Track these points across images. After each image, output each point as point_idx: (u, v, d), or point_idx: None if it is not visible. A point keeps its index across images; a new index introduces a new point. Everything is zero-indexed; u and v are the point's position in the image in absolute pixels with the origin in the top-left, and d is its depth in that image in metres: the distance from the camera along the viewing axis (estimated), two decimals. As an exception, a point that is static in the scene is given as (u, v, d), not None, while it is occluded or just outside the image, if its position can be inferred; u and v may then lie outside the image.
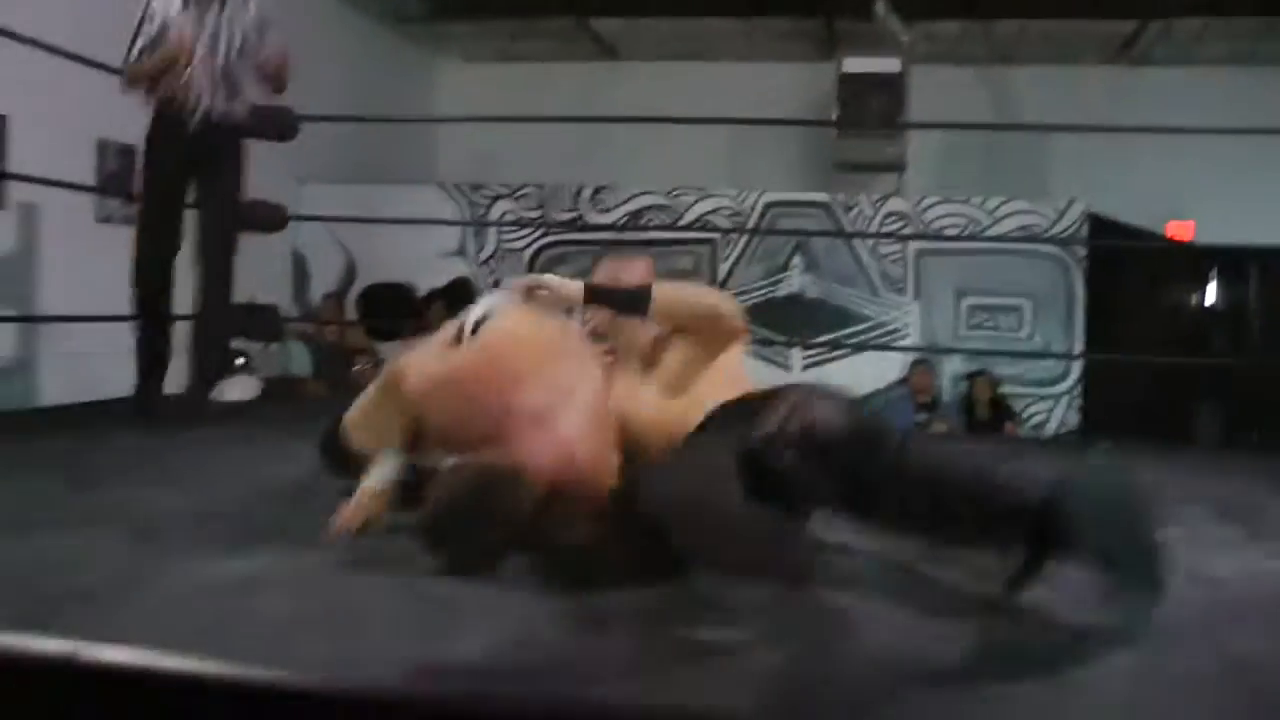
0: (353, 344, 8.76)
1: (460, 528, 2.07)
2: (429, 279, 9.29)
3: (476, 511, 2.06)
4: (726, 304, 2.48)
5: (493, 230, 9.40)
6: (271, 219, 5.88)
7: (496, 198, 9.46)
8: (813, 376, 8.58)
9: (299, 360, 8.61)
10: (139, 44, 4.40)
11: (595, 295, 2.41)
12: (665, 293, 2.37)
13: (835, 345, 8.71)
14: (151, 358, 4.46)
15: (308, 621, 1.87)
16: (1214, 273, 9.40)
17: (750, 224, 9.03)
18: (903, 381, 8.76)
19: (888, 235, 8.89)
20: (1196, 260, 9.43)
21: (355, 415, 2.56)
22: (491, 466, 2.11)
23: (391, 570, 2.17)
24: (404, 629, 1.88)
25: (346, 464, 2.63)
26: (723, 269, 9.14)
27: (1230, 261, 9.26)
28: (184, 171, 4.49)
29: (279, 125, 5.61)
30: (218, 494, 3.00)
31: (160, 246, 4.44)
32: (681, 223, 9.09)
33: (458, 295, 8.71)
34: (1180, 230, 9.35)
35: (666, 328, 2.43)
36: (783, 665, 1.76)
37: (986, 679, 1.74)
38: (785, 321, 8.72)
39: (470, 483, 2.09)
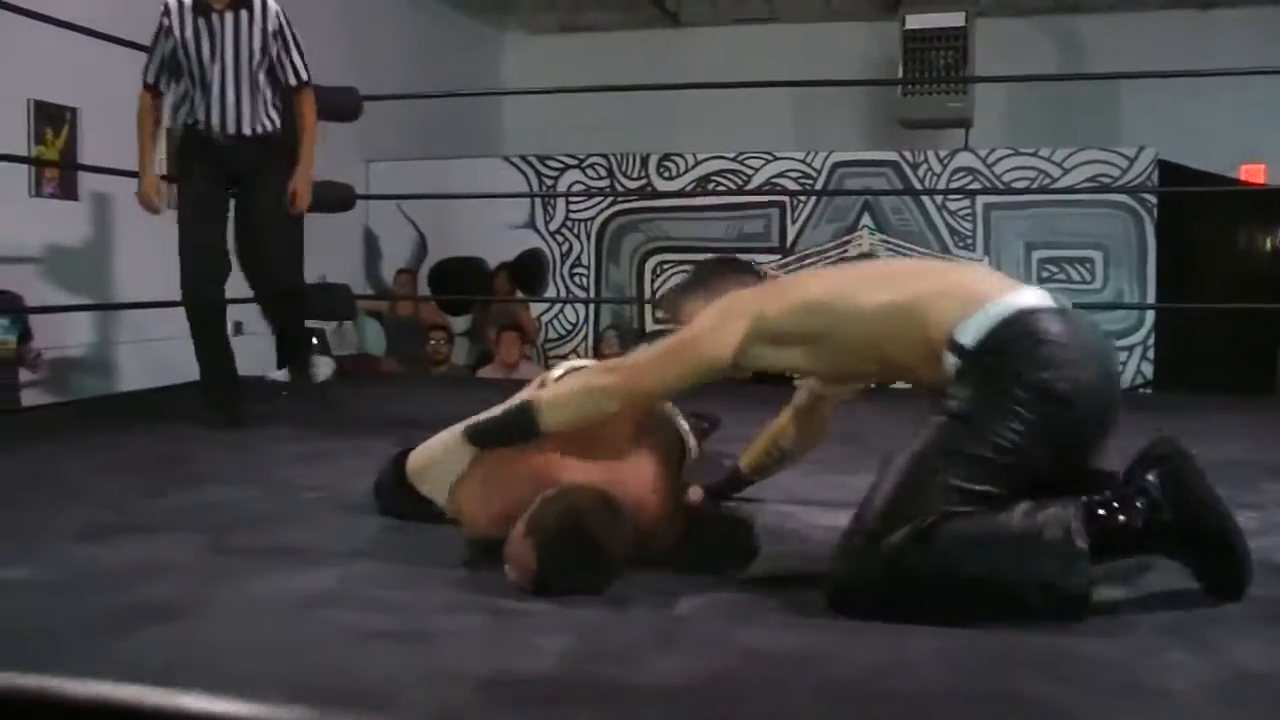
0: (427, 319, 8.72)
1: (569, 555, 2.02)
2: (499, 252, 9.31)
3: (584, 539, 2.02)
4: (599, 377, 2.30)
5: (561, 201, 9.29)
6: (340, 199, 5.86)
7: (564, 168, 9.36)
8: None
9: (373, 338, 8.64)
10: (154, 64, 4.24)
11: (479, 438, 2.30)
12: (549, 405, 2.27)
13: None
14: (214, 376, 4.28)
15: (380, 635, 1.83)
16: None
17: (818, 185, 8.91)
18: None
19: (956, 191, 8.70)
20: (1271, 203, 9.14)
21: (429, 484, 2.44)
22: (590, 493, 2.09)
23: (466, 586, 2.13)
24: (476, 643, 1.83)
25: (404, 509, 2.59)
26: (792, 230, 9.05)
27: None
28: (219, 186, 4.28)
29: (345, 106, 5.56)
30: (290, 499, 2.95)
31: (205, 262, 4.20)
32: (750, 186, 8.97)
33: (527, 267, 9.08)
34: (1253, 173, 9.07)
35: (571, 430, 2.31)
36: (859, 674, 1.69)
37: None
38: None
39: (573, 511, 2.05)
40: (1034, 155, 8.65)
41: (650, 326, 9.02)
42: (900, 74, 9.15)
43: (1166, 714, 1.56)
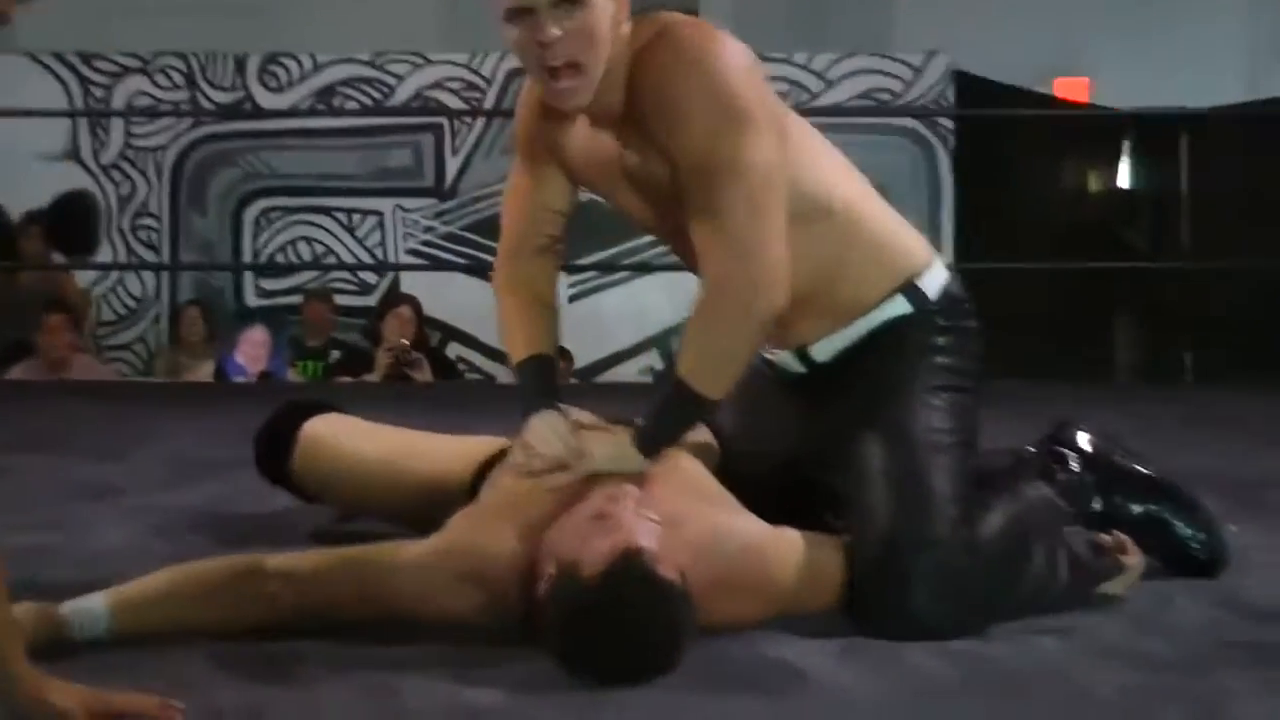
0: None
1: (617, 640, 1.75)
2: (26, 196, 7.99)
3: (629, 621, 1.75)
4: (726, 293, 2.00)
5: (119, 121, 8.13)
6: None
7: (122, 72, 8.11)
8: (586, 310, 7.83)
9: None
10: None
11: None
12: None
13: (612, 267, 7.81)
14: None
15: None
16: (1127, 147, 8.49)
17: (489, 98, 8.06)
18: None
19: None
20: (1104, 131, 8.48)
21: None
22: (627, 553, 1.77)
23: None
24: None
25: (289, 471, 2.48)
26: (453, 164, 8.12)
27: (1148, 132, 8.33)
28: None
29: None
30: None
31: None
32: (393, 102, 8.15)
33: (69, 218, 7.92)
34: (1072, 89, 8.54)
35: None
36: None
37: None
38: None
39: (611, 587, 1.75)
40: (785, 63, 7.96)
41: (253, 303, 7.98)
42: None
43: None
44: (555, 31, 1.87)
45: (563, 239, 2.27)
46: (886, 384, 2.10)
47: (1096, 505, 2.21)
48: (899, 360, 2.11)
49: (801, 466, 2.20)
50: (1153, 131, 8.26)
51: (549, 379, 2.19)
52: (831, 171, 2.12)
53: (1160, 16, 8.20)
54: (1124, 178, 8.56)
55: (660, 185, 2.04)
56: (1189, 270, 7.87)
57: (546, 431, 2.06)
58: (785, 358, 2.18)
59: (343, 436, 2.47)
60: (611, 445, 2.06)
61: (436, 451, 2.43)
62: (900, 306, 2.11)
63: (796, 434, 2.20)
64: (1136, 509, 2.21)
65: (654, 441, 2.06)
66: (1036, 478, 2.18)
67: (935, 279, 2.13)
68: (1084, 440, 2.27)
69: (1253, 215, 7.46)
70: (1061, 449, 2.25)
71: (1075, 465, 2.23)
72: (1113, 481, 2.22)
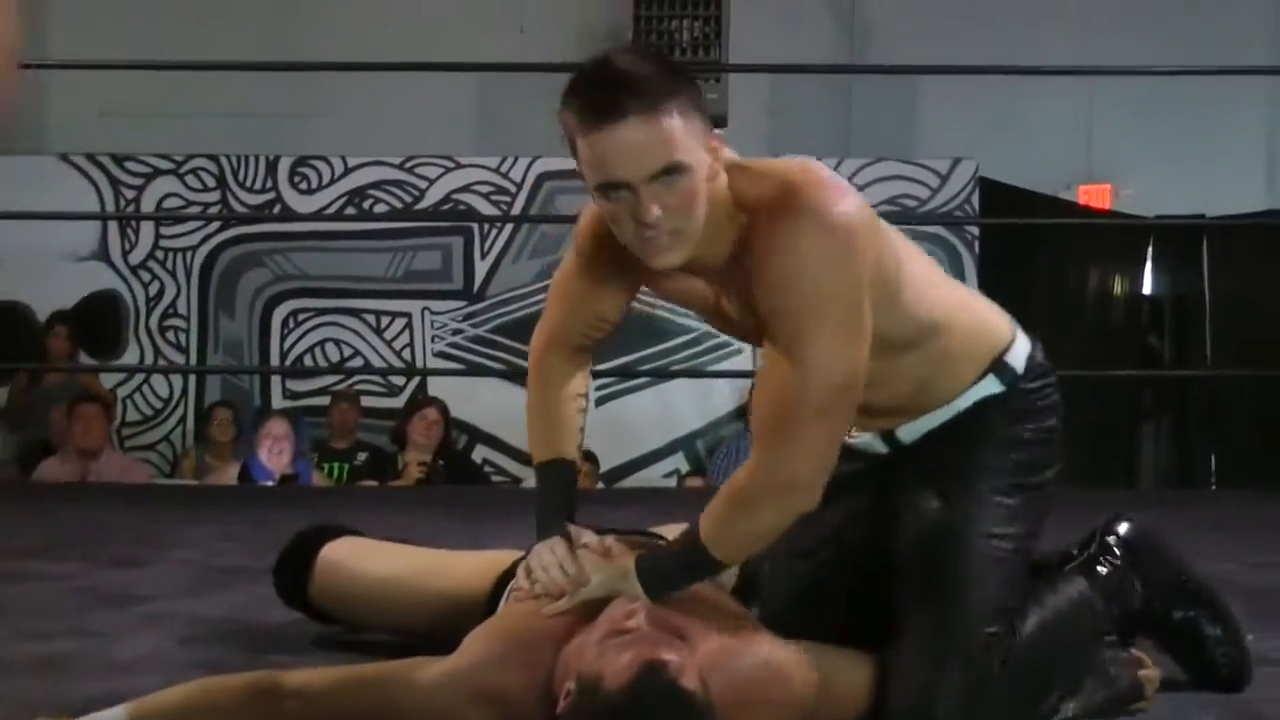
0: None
1: None
2: (53, 295, 7.98)
3: None
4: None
5: (148, 222, 8.10)
6: None
7: (153, 174, 8.07)
8: (612, 414, 7.79)
9: None
10: None
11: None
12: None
13: (640, 373, 7.76)
14: None
15: None
16: (1150, 253, 8.48)
17: (519, 203, 8.04)
18: (741, 412, 7.63)
19: None
20: (1128, 237, 8.45)
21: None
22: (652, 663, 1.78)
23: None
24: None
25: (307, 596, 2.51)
26: (482, 267, 8.07)
27: (1171, 238, 8.39)
28: None
29: None
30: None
31: None
32: (422, 204, 8.09)
33: (96, 318, 7.92)
34: (1095, 196, 8.44)
35: None
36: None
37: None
38: None
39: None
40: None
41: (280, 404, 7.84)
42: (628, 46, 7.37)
43: None
44: (657, 211, 1.80)
45: (604, 342, 2.25)
46: (960, 481, 2.06)
47: (1136, 603, 2.17)
48: (977, 451, 2.07)
49: (863, 560, 2.16)
50: (1175, 237, 8.26)
51: (565, 489, 2.17)
52: (931, 288, 2.08)
53: (1181, 124, 8.18)
54: (1148, 283, 8.49)
55: (757, 330, 2.00)
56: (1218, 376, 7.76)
57: (548, 557, 2.05)
58: (869, 440, 2.15)
59: (360, 559, 2.47)
60: (612, 576, 2.04)
61: (454, 567, 2.42)
62: (991, 386, 2.09)
63: (864, 526, 2.15)
64: (1176, 615, 2.18)
65: (657, 585, 2.02)
66: (1079, 574, 2.14)
67: (1020, 351, 2.09)
68: (1133, 535, 2.22)
69: (1274, 320, 7.47)
70: (1110, 542, 2.20)
71: (1120, 561, 2.19)
72: (1156, 583, 2.18)
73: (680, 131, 1.78)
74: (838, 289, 1.86)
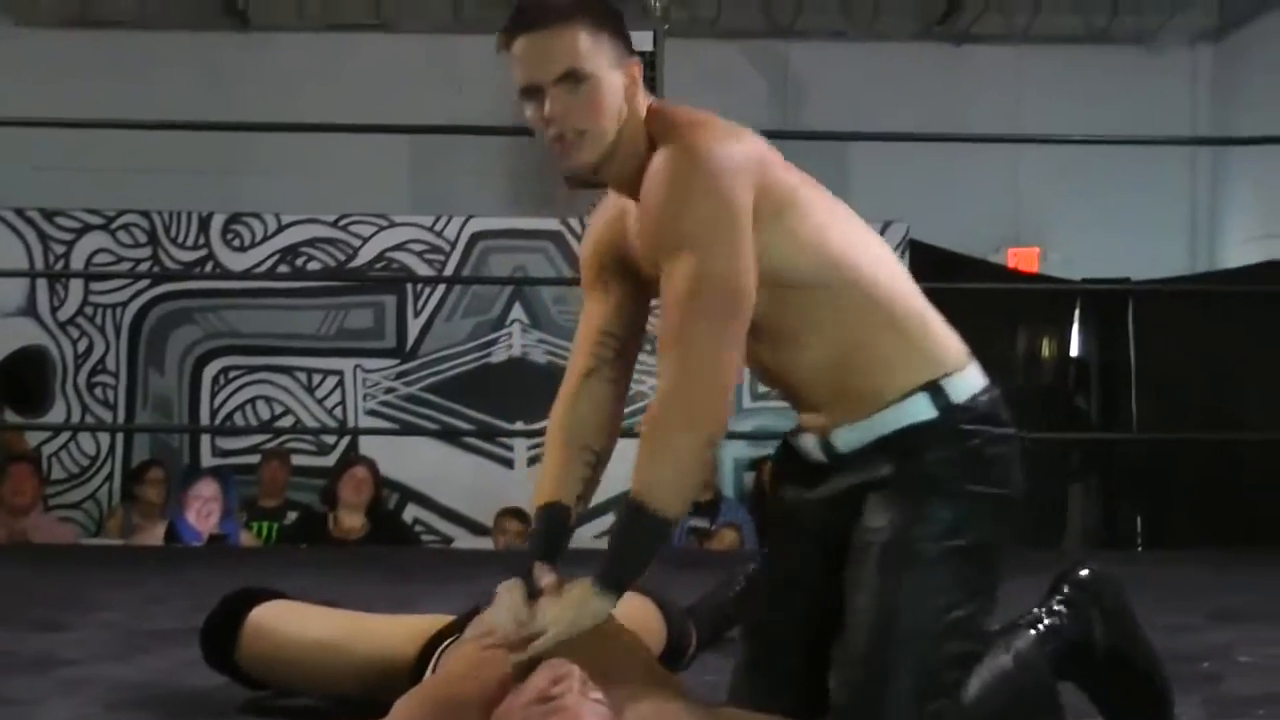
0: None
1: None
2: None
3: None
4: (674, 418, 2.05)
5: (78, 279, 8.10)
6: None
7: (84, 229, 8.04)
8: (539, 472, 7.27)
9: None
10: None
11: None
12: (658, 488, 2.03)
13: None
14: None
15: None
16: (1077, 316, 8.62)
17: (452, 262, 8.10)
18: None
19: None
20: (1055, 300, 8.55)
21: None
22: None
23: None
24: None
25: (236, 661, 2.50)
26: (414, 325, 8.06)
27: (1098, 301, 8.51)
28: None
29: None
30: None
31: None
32: (356, 262, 8.11)
33: (23, 375, 7.88)
34: (1024, 260, 8.56)
35: None
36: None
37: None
38: (504, 397, 7.95)
39: None
40: None
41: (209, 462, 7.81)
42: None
43: None
44: (560, 108, 1.99)
45: (619, 366, 2.24)
46: (897, 539, 2.01)
47: (1097, 644, 2.12)
48: (916, 502, 2.02)
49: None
50: (1102, 300, 8.36)
51: (548, 531, 2.16)
52: (849, 246, 2.09)
53: (1107, 189, 8.33)
54: (1075, 345, 8.60)
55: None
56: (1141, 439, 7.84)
57: (502, 606, 2.05)
58: (810, 442, 2.13)
59: (288, 623, 2.46)
60: (570, 607, 2.01)
61: (382, 631, 2.42)
62: (923, 409, 2.04)
63: (804, 596, 2.15)
64: (1139, 664, 2.16)
65: (616, 577, 2.02)
66: (1035, 637, 2.10)
67: (965, 385, 2.06)
68: (1094, 578, 2.18)
69: (1195, 383, 7.61)
70: (1072, 585, 2.16)
71: (1082, 601, 2.15)
72: (1117, 630, 2.15)
73: (586, 45, 1.99)
74: (699, 213, 1.96)
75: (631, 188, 2.07)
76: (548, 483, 2.19)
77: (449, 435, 7.98)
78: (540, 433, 7.17)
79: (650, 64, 7.72)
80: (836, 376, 2.09)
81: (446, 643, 2.24)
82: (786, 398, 2.21)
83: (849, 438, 2.08)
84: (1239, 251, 8.49)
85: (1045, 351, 8.71)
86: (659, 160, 1.99)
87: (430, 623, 2.34)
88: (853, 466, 2.08)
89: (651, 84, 7.49)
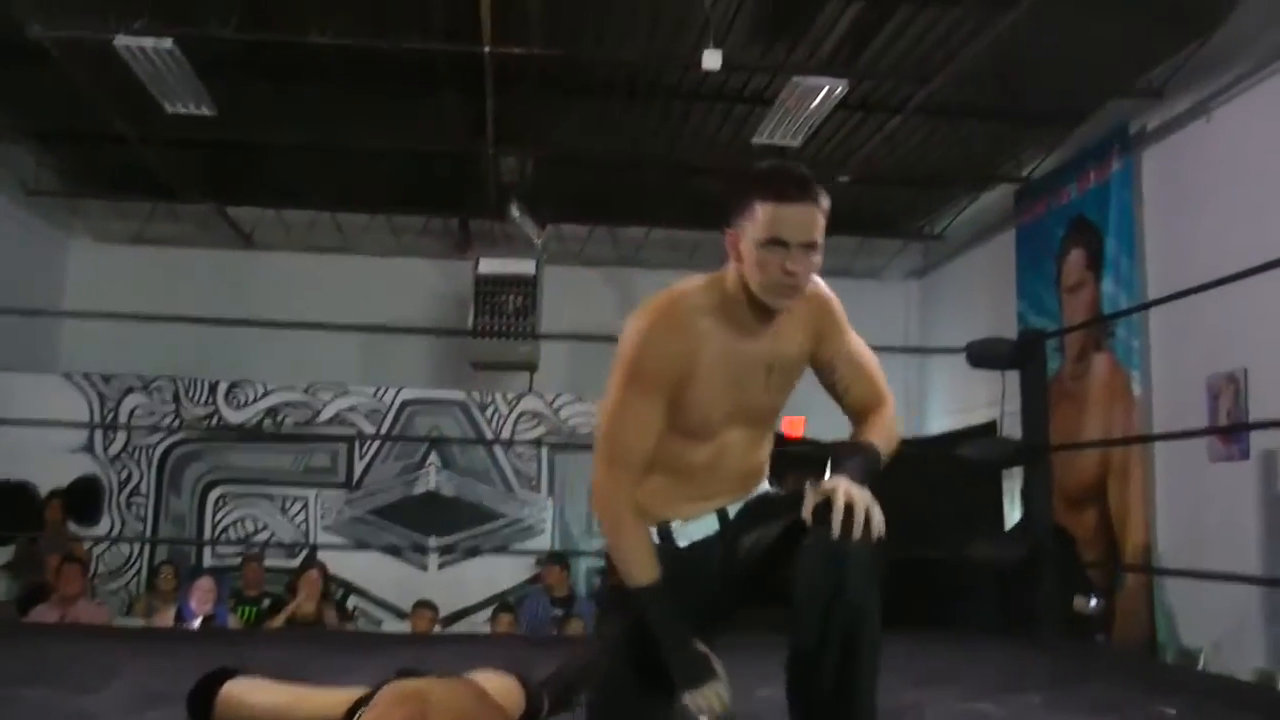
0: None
1: None
2: (52, 476, 8.90)
3: None
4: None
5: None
6: None
7: (128, 390, 9.24)
8: (450, 576, 8.70)
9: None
10: None
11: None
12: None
13: (474, 550, 8.85)
14: None
15: None
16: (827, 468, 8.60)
17: (388, 421, 9.16)
18: (535, 579, 8.75)
19: (525, 442, 9.15)
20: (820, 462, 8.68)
21: None
22: None
23: None
24: None
25: None
26: (359, 465, 9.09)
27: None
28: None
29: None
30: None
31: None
32: (319, 420, 9.12)
33: (81, 495, 8.62)
34: (793, 426, 8.89)
35: None
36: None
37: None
38: (422, 519, 8.79)
39: None
40: (597, 402, 8.54)
41: (209, 562, 8.76)
42: (472, 313, 9.58)
43: None
44: (802, 266, 2.14)
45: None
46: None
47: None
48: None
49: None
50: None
51: (676, 609, 2.25)
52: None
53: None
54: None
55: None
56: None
57: (714, 699, 2.18)
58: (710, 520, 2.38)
59: (251, 694, 2.53)
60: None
61: (320, 699, 2.47)
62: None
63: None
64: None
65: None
66: None
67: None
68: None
69: (904, 516, 7.95)
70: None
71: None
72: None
73: (823, 225, 2.15)
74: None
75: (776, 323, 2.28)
76: (651, 563, 2.26)
77: (387, 548, 8.82)
78: (449, 549, 8.62)
79: (532, 283, 9.32)
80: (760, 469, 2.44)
81: (361, 710, 2.27)
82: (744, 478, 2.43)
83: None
84: (937, 423, 9.43)
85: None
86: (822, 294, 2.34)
87: (354, 693, 2.38)
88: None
89: (534, 299, 9.16)
